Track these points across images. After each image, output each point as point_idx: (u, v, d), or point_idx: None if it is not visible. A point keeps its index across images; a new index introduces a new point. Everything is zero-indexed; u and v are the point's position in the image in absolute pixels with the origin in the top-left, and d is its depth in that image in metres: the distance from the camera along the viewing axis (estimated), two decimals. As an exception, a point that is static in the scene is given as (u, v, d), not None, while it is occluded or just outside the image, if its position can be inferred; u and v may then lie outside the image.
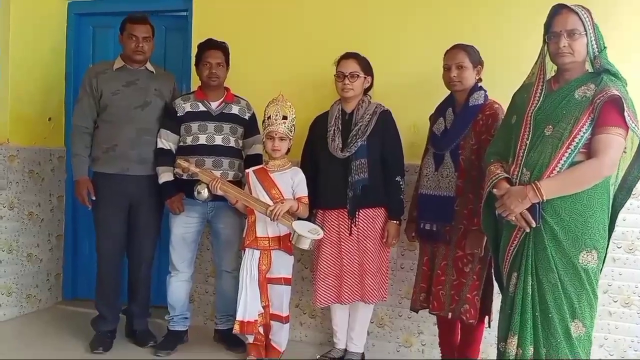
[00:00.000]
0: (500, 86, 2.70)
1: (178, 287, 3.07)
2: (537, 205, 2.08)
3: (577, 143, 2.07)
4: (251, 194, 2.85)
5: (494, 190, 2.20)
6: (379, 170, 2.83)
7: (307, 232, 2.69)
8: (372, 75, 2.91)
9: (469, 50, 2.66)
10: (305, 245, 2.69)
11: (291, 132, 2.85)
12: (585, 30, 2.12)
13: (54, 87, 3.79)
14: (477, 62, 2.68)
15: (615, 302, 2.84)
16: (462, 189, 2.60)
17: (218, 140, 2.98)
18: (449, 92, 2.75)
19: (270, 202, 2.77)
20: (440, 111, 2.76)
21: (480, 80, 2.71)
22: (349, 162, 2.79)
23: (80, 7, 3.83)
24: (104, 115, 3.03)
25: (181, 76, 3.65)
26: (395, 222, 2.83)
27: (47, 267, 3.76)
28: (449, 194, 2.62)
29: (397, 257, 3.13)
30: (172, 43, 3.76)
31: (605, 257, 2.14)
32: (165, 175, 2.99)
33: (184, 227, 3.02)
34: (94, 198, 3.02)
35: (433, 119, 2.79)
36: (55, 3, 3.78)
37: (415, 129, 3.11)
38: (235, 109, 3.06)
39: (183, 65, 3.68)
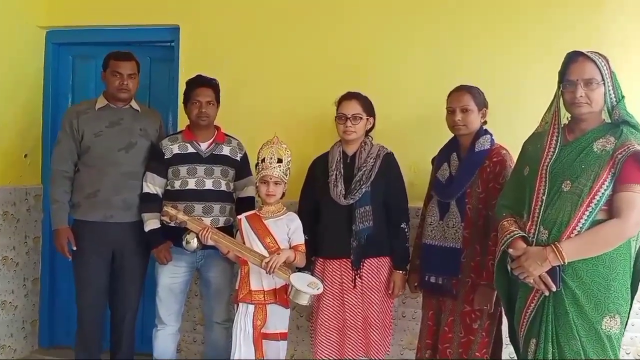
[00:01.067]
0: (501, 126, 2.63)
1: (165, 341, 2.87)
2: (558, 268, 1.95)
3: (597, 201, 1.95)
4: (244, 242, 2.67)
5: (510, 250, 2.06)
6: (383, 217, 2.68)
7: (307, 287, 2.51)
8: (374, 116, 2.77)
9: (474, 93, 2.54)
10: (304, 301, 2.52)
11: (286, 175, 2.68)
12: (603, 79, 2.01)
13: (30, 121, 3.57)
14: (482, 105, 2.56)
15: (628, 354, 2.72)
16: (469, 240, 2.47)
17: (208, 184, 2.81)
18: (451, 132, 2.62)
19: (264, 252, 2.59)
20: (443, 156, 2.63)
21: (485, 123, 2.59)
22: (353, 210, 2.63)
23: (59, 37, 3.63)
24: (85, 159, 2.84)
25: (167, 110, 3.50)
26: (401, 272, 2.68)
27: (22, 314, 3.51)
28: (455, 245, 2.48)
29: (398, 305, 2.98)
30: (158, 75, 3.57)
31: (627, 321, 2.01)
32: (152, 223, 2.80)
33: (171, 278, 2.83)
34: (74, 248, 2.82)
35: (436, 163, 2.66)
36: (32, 31, 3.57)
37: (415, 169, 2.99)
38: (226, 150, 2.89)
39: (169, 98, 3.50)
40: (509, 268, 2.15)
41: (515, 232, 2.08)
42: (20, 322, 3.50)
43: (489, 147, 2.51)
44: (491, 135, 2.55)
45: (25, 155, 3.53)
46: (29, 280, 3.55)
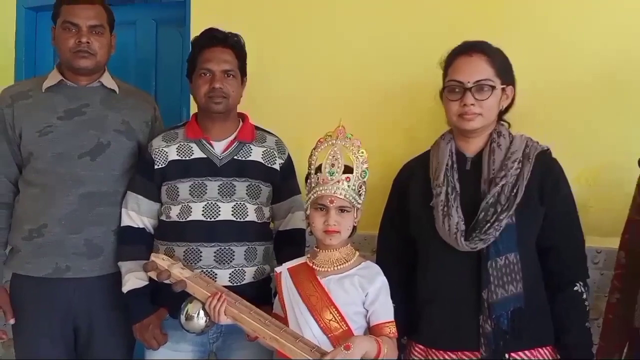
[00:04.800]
0: None
1: None
2: None
3: None
4: (285, 317, 1.55)
5: None
6: (539, 274, 1.54)
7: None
8: (514, 84, 1.60)
9: None
10: None
11: (360, 196, 1.57)
12: None
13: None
14: None
15: None
16: None
17: (226, 211, 1.71)
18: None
19: (322, 340, 1.49)
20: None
21: None
22: (484, 261, 1.50)
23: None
24: (27, 172, 1.79)
25: (178, 94, 2.48)
26: (577, 375, 1.49)
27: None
28: None
29: None
30: (167, 44, 2.59)
31: None
32: (133, 278, 1.72)
33: (168, 370, 1.72)
34: (11, 322, 1.78)
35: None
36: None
37: (590, 180, 1.80)
38: (257, 153, 1.79)
39: (182, 78, 2.42)
40: None
41: None
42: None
43: None
44: None
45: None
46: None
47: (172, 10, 2.56)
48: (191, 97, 2.08)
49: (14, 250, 1.80)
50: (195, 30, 2.26)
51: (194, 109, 2.16)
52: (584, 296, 1.52)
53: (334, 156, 1.53)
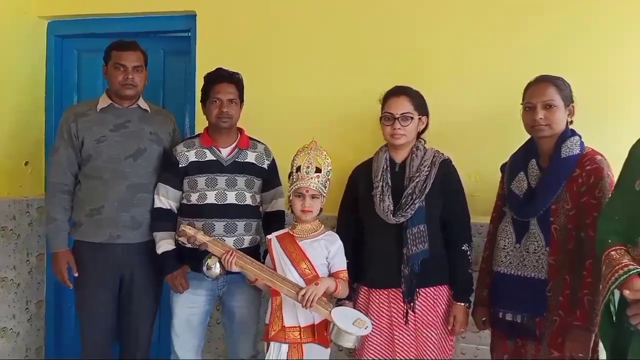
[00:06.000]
0: (592, 130, 2.15)
1: (182, 382, 2.44)
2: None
3: None
4: (274, 268, 2.23)
5: (625, 292, 1.57)
6: (440, 237, 2.24)
7: (352, 326, 2.05)
8: (427, 115, 2.31)
9: (559, 85, 2.06)
10: (349, 342, 2.06)
11: (325, 188, 2.24)
12: None
13: (31, 125, 3.17)
14: (569, 100, 2.08)
15: None
16: (556, 268, 1.99)
17: (231, 197, 2.37)
18: (528, 134, 2.13)
19: (300, 281, 2.16)
20: (518, 163, 2.14)
21: (571, 122, 2.09)
22: (404, 230, 2.18)
23: (63, 28, 3.22)
24: (86, 169, 2.42)
25: (183, 110, 3.10)
26: (463, 304, 2.21)
27: (25, 342, 3.12)
28: (538, 275, 2.01)
29: (456, 341, 2.46)
30: (172, 70, 3.17)
31: None
32: (165, 244, 2.37)
33: (189, 308, 2.40)
34: (76, 275, 2.41)
35: (508, 172, 2.18)
36: (32, 22, 3.18)
37: (477, 178, 2.53)
38: (251, 157, 2.45)
39: (185, 96, 3.08)
40: (613, 310, 1.70)
41: (632, 268, 1.59)
42: (23, 350, 3.12)
43: (578, 152, 2.01)
44: (580, 137, 2.06)
45: (26, 163, 3.13)
46: (32, 303, 3.16)
47: (176, 42, 3.16)
48: (197, 112, 2.78)
49: (76, 224, 2.43)
50: (200, 59, 2.91)
51: (199, 124, 2.82)
52: (469, 253, 2.22)
53: (308, 161, 2.19)
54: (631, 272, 1.58)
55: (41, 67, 3.22)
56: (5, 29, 3.01)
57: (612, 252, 1.67)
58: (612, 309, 1.72)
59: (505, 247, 2.09)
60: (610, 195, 1.87)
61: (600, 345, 1.91)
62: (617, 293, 1.65)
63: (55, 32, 3.23)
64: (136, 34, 3.03)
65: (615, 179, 1.87)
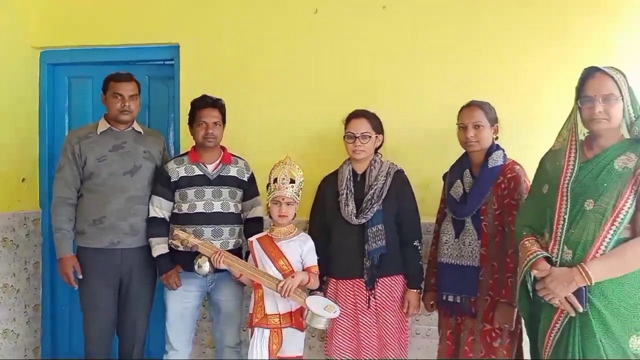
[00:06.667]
0: (516, 143, 2.65)
1: (176, 367, 2.80)
2: (584, 289, 1.93)
3: (622, 219, 1.93)
4: (256, 265, 2.62)
5: (534, 271, 2.04)
6: (395, 235, 2.65)
7: (323, 310, 2.47)
8: (383, 134, 2.75)
9: (486, 108, 2.52)
10: (321, 324, 2.48)
11: (298, 196, 2.64)
12: (621, 95, 2.00)
13: (26, 145, 3.48)
14: (494, 120, 2.54)
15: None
16: (486, 257, 2.44)
17: (217, 206, 2.75)
18: (462, 149, 2.60)
19: (278, 275, 2.55)
20: (455, 173, 2.60)
21: (496, 138, 2.57)
22: (365, 229, 2.60)
23: (54, 57, 3.54)
24: (88, 184, 2.76)
25: (167, 130, 3.47)
26: (415, 290, 2.65)
27: (24, 342, 3.42)
28: (472, 263, 2.46)
29: (411, 323, 2.92)
30: (157, 94, 3.50)
31: (654, 339, 2.00)
32: (160, 248, 2.74)
33: (181, 303, 2.77)
34: (80, 277, 2.75)
35: (448, 180, 2.63)
36: (26, 51, 3.49)
37: (426, 185, 2.95)
38: (233, 171, 2.83)
39: (169, 118, 3.44)
40: (529, 287, 2.15)
41: (539, 253, 2.05)
42: (22, 350, 3.41)
43: (502, 163, 2.49)
44: (503, 150, 2.53)
45: (23, 180, 3.44)
46: (30, 306, 3.46)
47: (160, 69, 3.48)
48: (181, 132, 3.14)
49: (80, 233, 2.76)
50: (183, 85, 3.24)
51: (184, 142, 3.18)
52: (419, 248, 2.63)
53: (284, 173, 2.56)
54: (537, 256, 2.04)
55: (35, 93, 3.52)
56: (2, 59, 3.31)
57: (526, 242, 2.13)
58: (529, 287, 2.18)
59: (447, 242, 2.54)
60: (525, 198, 2.35)
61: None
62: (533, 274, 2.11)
63: (47, 61, 3.53)
64: (124, 63, 3.39)
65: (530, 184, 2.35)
